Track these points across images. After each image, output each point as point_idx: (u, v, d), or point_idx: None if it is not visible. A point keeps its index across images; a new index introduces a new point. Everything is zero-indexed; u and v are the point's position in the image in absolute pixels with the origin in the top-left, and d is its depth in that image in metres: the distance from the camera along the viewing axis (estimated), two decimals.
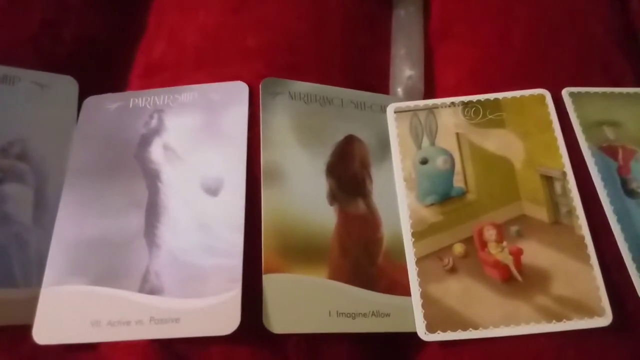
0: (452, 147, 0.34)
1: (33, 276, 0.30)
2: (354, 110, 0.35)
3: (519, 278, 0.30)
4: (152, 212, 0.31)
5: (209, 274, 0.29)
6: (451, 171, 0.34)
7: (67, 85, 0.35)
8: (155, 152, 0.33)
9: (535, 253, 0.31)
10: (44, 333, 0.28)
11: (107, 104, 0.35)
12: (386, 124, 0.35)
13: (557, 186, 0.32)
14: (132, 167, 0.33)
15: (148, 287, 0.29)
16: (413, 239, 0.32)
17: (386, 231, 0.32)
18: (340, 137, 0.34)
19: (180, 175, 0.32)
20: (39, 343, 0.28)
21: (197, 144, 0.33)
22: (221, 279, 0.29)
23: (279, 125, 0.34)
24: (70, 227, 0.31)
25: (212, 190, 0.32)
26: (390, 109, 0.36)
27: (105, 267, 0.30)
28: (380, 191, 0.33)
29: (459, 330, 0.29)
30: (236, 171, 0.32)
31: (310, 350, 0.29)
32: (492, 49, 0.37)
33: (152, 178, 0.32)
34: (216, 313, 0.28)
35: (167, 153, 0.33)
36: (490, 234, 0.31)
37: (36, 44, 0.35)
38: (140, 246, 0.30)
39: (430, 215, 0.32)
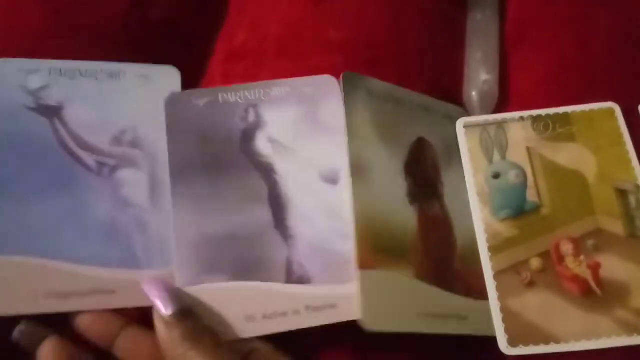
0: (523, 161, 0.35)
1: (155, 257, 0.31)
2: (423, 113, 0.36)
3: (598, 292, 0.31)
4: (277, 204, 0.32)
5: (350, 259, 0.30)
6: (524, 185, 0.34)
7: (170, 75, 0.36)
8: (262, 145, 0.33)
9: (613, 267, 0.31)
10: None
11: (193, 100, 0.34)
12: (451, 130, 0.36)
13: (632, 199, 0.33)
14: (241, 162, 0.33)
15: (295, 277, 0.30)
16: (490, 254, 0.32)
17: (458, 235, 0.33)
18: (413, 138, 0.35)
19: (294, 166, 0.33)
20: None
21: (301, 135, 0.33)
22: None
23: (362, 120, 0.33)
24: (191, 225, 0.31)
25: (332, 179, 0.32)
26: (460, 124, 0.36)
27: (243, 262, 0.30)
28: (449, 196, 0.34)
29: (541, 344, 0.30)
30: (345, 160, 0.32)
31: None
32: (569, 57, 0.37)
33: (266, 171, 0.33)
34: None
35: (274, 145, 0.33)
36: (567, 248, 0.32)
37: (125, 23, 0.36)
38: (274, 238, 0.31)
39: (505, 229, 0.33)
